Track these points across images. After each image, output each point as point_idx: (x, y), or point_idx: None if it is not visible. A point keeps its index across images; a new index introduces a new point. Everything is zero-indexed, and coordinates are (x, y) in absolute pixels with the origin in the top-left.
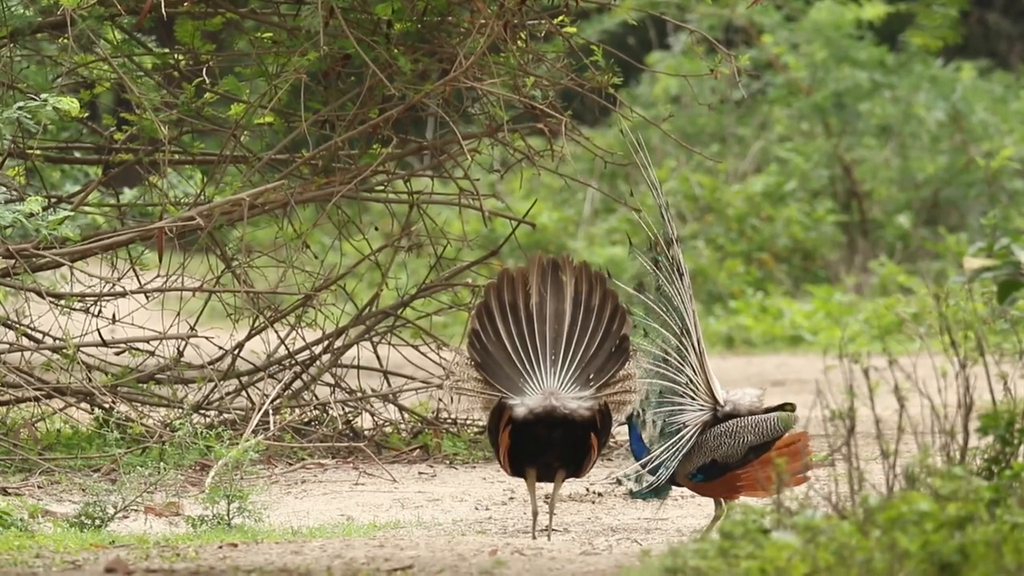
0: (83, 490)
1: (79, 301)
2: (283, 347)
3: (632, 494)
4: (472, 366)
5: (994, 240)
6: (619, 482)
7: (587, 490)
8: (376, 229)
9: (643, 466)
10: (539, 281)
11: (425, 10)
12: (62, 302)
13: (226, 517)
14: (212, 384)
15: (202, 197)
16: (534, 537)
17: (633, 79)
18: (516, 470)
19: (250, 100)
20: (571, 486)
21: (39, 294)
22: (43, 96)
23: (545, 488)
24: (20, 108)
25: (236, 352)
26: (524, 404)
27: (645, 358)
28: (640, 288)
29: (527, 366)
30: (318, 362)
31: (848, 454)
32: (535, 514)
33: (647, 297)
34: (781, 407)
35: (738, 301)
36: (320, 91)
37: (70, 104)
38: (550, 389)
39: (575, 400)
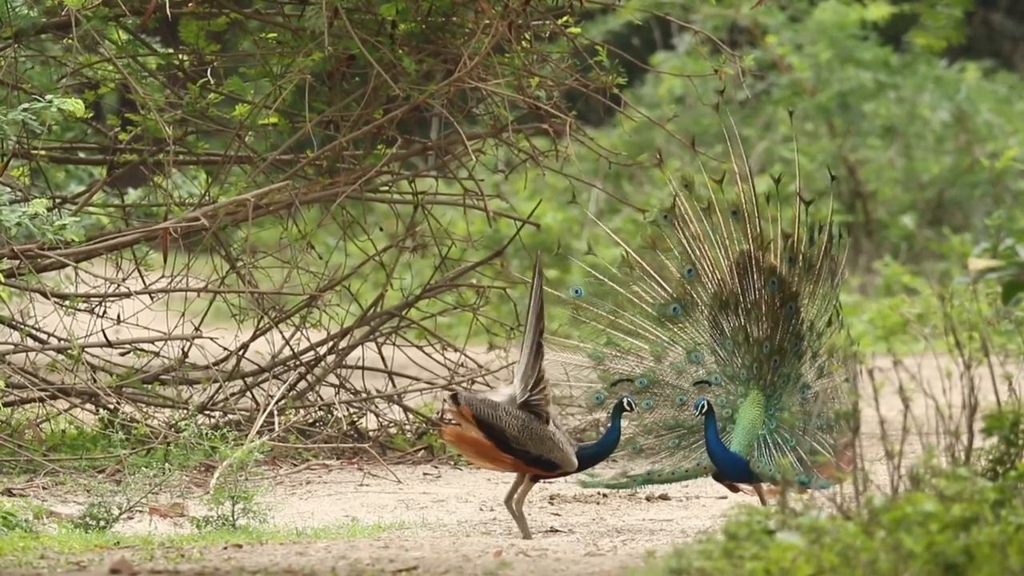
0: (88, 491)
1: (84, 302)
2: (288, 348)
3: (819, 485)
4: None
5: (998, 240)
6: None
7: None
8: (381, 229)
9: (807, 484)
10: (536, 282)
11: (429, 10)
12: (67, 303)
13: (231, 518)
14: (217, 385)
15: (207, 197)
16: (524, 536)
17: (637, 79)
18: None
19: (254, 100)
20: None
21: (44, 295)
22: (48, 98)
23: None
24: (25, 110)
25: (241, 353)
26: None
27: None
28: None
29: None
30: (323, 363)
31: (853, 455)
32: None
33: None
34: None
35: None
36: (324, 91)
37: (75, 106)
38: (510, 388)
39: (493, 399)
